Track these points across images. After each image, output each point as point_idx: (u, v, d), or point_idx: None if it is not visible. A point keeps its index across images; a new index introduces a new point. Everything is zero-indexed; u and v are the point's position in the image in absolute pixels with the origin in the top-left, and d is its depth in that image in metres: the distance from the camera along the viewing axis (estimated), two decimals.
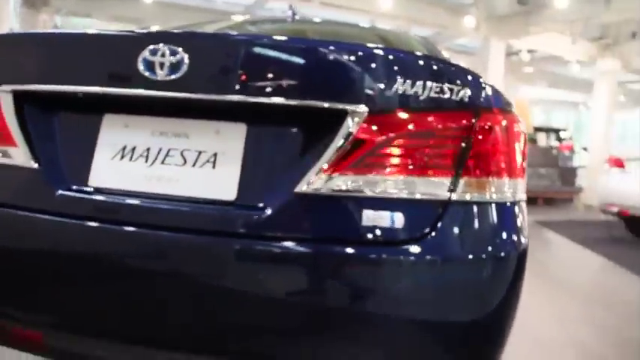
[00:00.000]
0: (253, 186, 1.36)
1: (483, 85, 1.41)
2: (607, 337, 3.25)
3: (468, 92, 1.37)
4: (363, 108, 1.32)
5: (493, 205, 1.38)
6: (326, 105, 1.33)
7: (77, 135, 1.50)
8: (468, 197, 1.35)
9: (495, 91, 1.45)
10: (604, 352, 3.00)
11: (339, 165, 1.32)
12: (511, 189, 1.42)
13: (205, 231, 1.33)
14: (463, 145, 1.36)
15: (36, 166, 1.45)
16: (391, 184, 1.33)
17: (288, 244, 1.30)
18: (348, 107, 1.32)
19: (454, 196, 1.34)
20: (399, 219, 1.32)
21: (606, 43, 14.94)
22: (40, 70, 1.50)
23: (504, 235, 1.39)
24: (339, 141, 1.33)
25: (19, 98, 1.48)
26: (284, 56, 1.37)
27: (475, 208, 1.36)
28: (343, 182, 1.32)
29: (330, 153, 1.32)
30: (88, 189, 1.43)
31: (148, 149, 1.43)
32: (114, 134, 1.46)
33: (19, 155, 1.46)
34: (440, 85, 1.35)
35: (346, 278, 1.31)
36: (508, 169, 1.42)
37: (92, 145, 1.47)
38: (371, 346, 1.33)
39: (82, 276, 1.39)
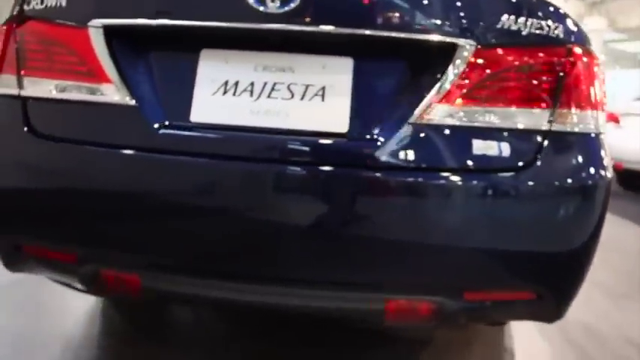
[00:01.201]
0: (364, 118, 1.40)
1: (574, 23, 1.46)
2: (624, 279, 3.40)
3: (562, 29, 1.45)
4: (472, 42, 1.37)
5: (584, 136, 1.47)
6: (437, 39, 1.36)
7: (173, 71, 1.48)
8: (564, 128, 1.43)
9: (581, 29, 1.49)
10: (625, 291, 3.15)
11: (449, 97, 1.39)
12: (597, 121, 1.50)
13: (319, 163, 1.37)
14: (559, 78, 1.43)
15: (133, 102, 1.44)
16: (498, 115, 1.40)
17: (404, 173, 1.37)
18: (458, 41, 1.37)
19: (554, 127, 1.42)
20: (506, 148, 1.40)
21: (593, 2, 15.00)
22: (133, 3, 1.48)
23: (596, 164, 1.47)
24: (449, 74, 1.38)
25: (110, 34, 1.46)
26: None
27: (570, 138, 1.45)
28: (454, 113, 1.39)
29: (440, 85, 1.38)
30: (190, 124, 1.42)
31: (252, 84, 1.43)
32: (214, 70, 1.46)
33: (114, 92, 1.44)
34: (540, 21, 1.43)
35: (461, 204, 1.38)
36: (594, 102, 1.50)
37: (190, 81, 1.45)
38: (477, 268, 1.41)
39: (188, 213, 1.41)
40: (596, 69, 1.53)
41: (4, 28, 1.58)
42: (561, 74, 1.43)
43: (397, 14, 1.38)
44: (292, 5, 1.36)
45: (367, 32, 1.37)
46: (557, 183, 1.42)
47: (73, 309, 2.42)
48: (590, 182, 1.45)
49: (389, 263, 1.41)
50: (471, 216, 1.39)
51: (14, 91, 1.51)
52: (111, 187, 1.45)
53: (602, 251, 1.56)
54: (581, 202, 1.45)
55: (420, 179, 1.37)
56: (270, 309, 1.46)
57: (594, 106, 1.49)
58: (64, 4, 1.50)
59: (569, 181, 1.43)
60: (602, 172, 1.47)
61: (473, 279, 1.44)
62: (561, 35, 1.45)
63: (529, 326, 2.34)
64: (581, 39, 1.49)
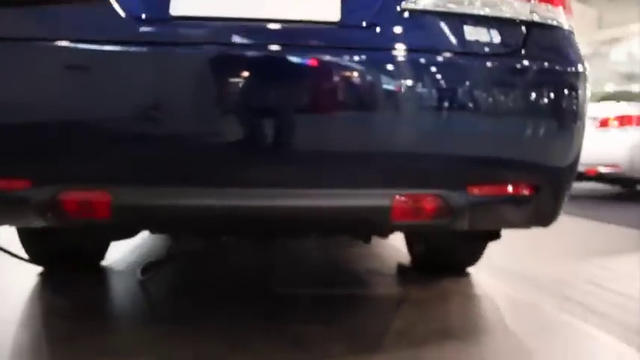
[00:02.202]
0: (355, 6, 1.37)
1: None
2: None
3: None
4: None
5: (561, 30, 1.54)
6: None
7: None
8: (545, 20, 1.50)
9: None
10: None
11: None
12: (569, 21, 1.56)
13: (314, 47, 1.33)
14: None
15: None
16: (484, 3, 1.41)
17: (396, 53, 1.37)
18: None
19: (535, 18, 1.48)
20: (495, 34, 1.44)
21: None
22: None
23: (575, 53, 1.55)
24: None
25: None
26: None
27: (550, 30, 1.52)
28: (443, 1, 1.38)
29: None
30: (170, 17, 1.34)
31: None
32: None
33: None
34: None
35: (454, 87, 1.39)
36: (568, 5, 1.58)
37: None
38: (476, 158, 1.42)
39: (171, 111, 1.31)
40: None
41: None
42: None
43: None
44: None
45: None
46: (544, 66, 1.47)
47: (11, 293, 2.22)
48: (572, 68, 1.50)
49: (392, 154, 1.37)
50: (464, 100, 1.39)
51: None
52: (75, 87, 1.29)
53: None
54: (566, 86, 1.51)
55: (409, 57, 1.36)
56: (270, 216, 1.34)
57: (565, 5, 1.58)
58: None
59: (556, 67, 1.48)
60: (579, 61, 1.55)
61: (472, 170, 1.43)
62: None
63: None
64: None
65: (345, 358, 1.55)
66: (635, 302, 2.32)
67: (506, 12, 1.45)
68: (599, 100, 7.32)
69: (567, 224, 4.65)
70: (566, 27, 1.56)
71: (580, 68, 1.54)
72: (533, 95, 1.46)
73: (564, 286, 2.52)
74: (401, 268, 2.76)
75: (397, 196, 1.37)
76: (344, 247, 3.38)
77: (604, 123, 6.78)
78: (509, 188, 1.48)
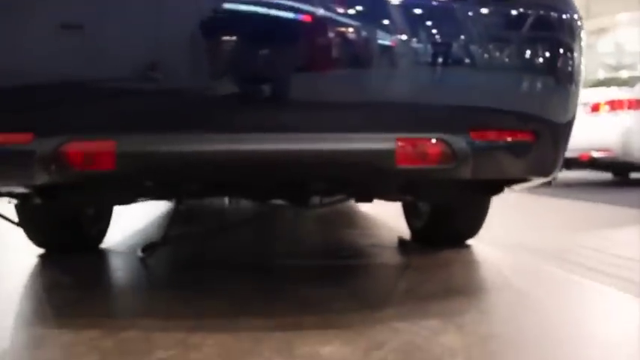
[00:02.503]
0: None
1: None
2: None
3: None
4: None
5: None
6: None
7: None
8: None
9: None
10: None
11: None
12: None
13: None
14: None
15: None
16: None
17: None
18: None
19: None
20: None
21: None
22: None
23: (563, 2, 1.57)
24: None
25: None
26: None
27: None
28: None
29: None
30: None
31: None
32: None
33: None
34: None
35: (453, 28, 1.42)
36: None
37: None
38: (475, 101, 1.44)
39: (176, 49, 1.32)
40: None
41: None
42: None
43: None
44: None
45: None
46: (536, 13, 1.50)
47: (12, 272, 2.23)
48: (565, 15, 1.53)
49: (395, 99, 1.38)
50: (464, 46, 1.42)
51: None
52: (77, 37, 1.29)
53: None
54: (562, 33, 1.53)
55: (413, 8, 1.39)
56: (274, 160, 1.34)
57: None
58: None
59: (548, 12, 1.50)
60: (575, 10, 1.57)
61: (474, 115, 1.45)
62: None
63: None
64: None
65: (353, 313, 1.54)
66: (635, 262, 2.33)
67: None
68: (589, 87, 7.36)
69: (566, 205, 4.71)
70: None
71: (575, 15, 1.55)
72: (531, 41, 1.48)
73: (566, 253, 2.53)
74: (402, 242, 2.76)
75: (401, 140, 1.37)
76: (344, 228, 3.39)
77: (595, 108, 6.82)
78: (510, 134, 1.49)
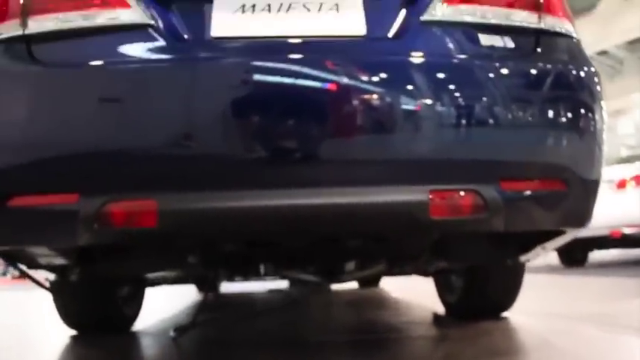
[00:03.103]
0: (379, 21, 1.50)
1: None
2: None
3: None
4: None
5: (569, 37, 1.65)
6: None
7: None
8: (553, 27, 1.61)
9: None
10: None
11: None
12: (574, 28, 1.69)
13: (341, 60, 1.44)
14: None
15: (153, 22, 1.46)
16: (496, 13, 1.54)
17: (423, 59, 1.49)
18: None
19: (543, 25, 1.60)
20: (509, 41, 1.55)
21: None
22: None
23: (582, 57, 1.65)
24: None
25: None
26: None
27: (558, 37, 1.63)
28: (458, 11, 1.53)
29: None
30: (212, 38, 1.47)
31: (269, 5, 1.50)
32: None
33: (133, 15, 1.47)
34: None
35: (477, 88, 1.48)
36: (568, 14, 1.70)
37: (209, 5, 1.50)
38: (505, 153, 1.48)
39: (214, 116, 1.39)
40: None
41: None
42: None
43: None
44: None
45: None
46: (558, 68, 1.57)
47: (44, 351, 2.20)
48: (585, 69, 1.59)
49: (428, 153, 1.43)
50: (492, 100, 1.47)
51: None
52: (121, 104, 1.39)
53: None
54: (581, 86, 1.60)
55: (434, 61, 1.47)
56: (312, 215, 1.37)
57: (569, 17, 1.69)
58: None
59: (569, 67, 1.56)
60: (589, 64, 1.64)
61: (504, 166, 1.48)
62: None
63: None
64: None
65: None
66: None
67: (516, 21, 1.56)
68: (613, 165, 7.36)
69: (600, 281, 4.59)
70: (573, 35, 1.65)
71: (592, 68, 1.62)
72: (555, 94, 1.54)
73: (602, 317, 2.44)
74: (437, 317, 2.69)
75: (434, 192, 1.40)
76: (376, 310, 3.33)
77: (621, 184, 6.78)
78: (540, 184, 1.50)
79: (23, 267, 1.75)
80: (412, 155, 1.42)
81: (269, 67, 1.42)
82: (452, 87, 1.46)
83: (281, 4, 1.50)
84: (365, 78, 1.42)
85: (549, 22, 1.61)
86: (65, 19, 1.45)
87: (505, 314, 2.53)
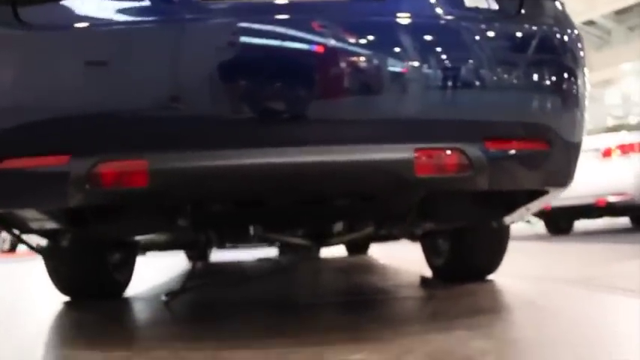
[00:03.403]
0: None
1: None
2: None
3: None
4: None
5: (552, 1, 1.67)
6: None
7: None
8: None
9: None
10: None
11: None
12: None
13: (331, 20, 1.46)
14: None
15: None
16: None
17: (408, 20, 1.50)
18: None
19: None
20: (492, 2, 1.57)
21: None
22: None
23: (565, 22, 1.66)
24: None
25: None
26: None
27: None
28: None
29: None
30: None
31: None
32: None
33: None
34: None
35: (469, 47, 1.50)
36: None
37: None
38: (484, 95, 1.50)
39: (207, 68, 1.39)
40: None
41: None
42: None
43: None
44: None
45: None
46: (542, 30, 1.59)
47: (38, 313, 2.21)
48: (569, 32, 1.62)
49: (413, 111, 1.45)
50: (477, 59, 1.50)
51: None
52: (109, 62, 1.40)
53: None
54: (564, 49, 1.62)
55: (425, 26, 1.50)
56: (299, 173, 1.39)
57: None
58: None
59: (553, 29, 1.58)
60: (574, 27, 1.66)
61: (487, 125, 1.50)
62: None
63: None
64: None
65: (382, 328, 1.54)
66: None
67: None
68: (599, 134, 7.43)
69: (587, 247, 4.67)
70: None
71: (575, 31, 1.65)
72: (539, 57, 1.56)
73: (590, 279, 2.50)
74: (424, 280, 2.75)
75: (420, 150, 1.43)
76: (364, 275, 3.39)
77: (607, 153, 6.85)
78: (524, 143, 1.53)
79: (17, 232, 1.77)
80: (398, 115, 1.44)
81: (255, 28, 1.42)
82: (437, 49, 1.47)
83: None
84: (350, 39, 1.43)
85: None
86: None
87: (491, 277, 2.58)
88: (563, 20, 1.65)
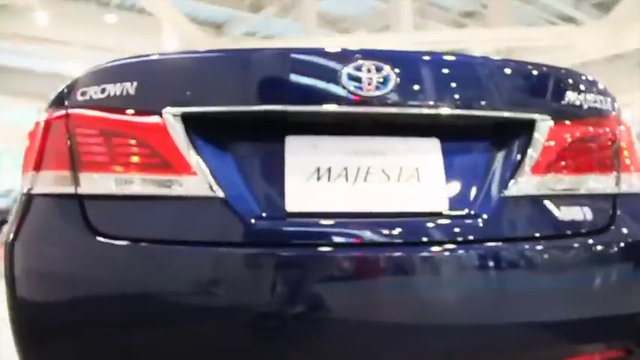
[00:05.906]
0: (460, 195, 1.41)
1: (611, 94, 1.62)
2: None
3: (609, 101, 1.59)
4: (547, 117, 1.48)
5: None
6: (518, 116, 1.47)
7: (258, 159, 1.42)
8: (630, 189, 1.53)
9: (614, 98, 1.64)
10: None
11: (535, 169, 1.45)
12: None
13: (423, 242, 1.35)
14: (614, 146, 1.55)
15: (222, 195, 1.31)
16: (577, 182, 1.48)
17: (507, 245, 1.38)
18: (537, 117, 1.47)
19: (621, 189, 1.51)
20: (589, 212, 1.46)
21: None
22: (211, 89, 1.39)
23: None
24: (532, 147, 1.46)
25: (188, 122, 1.35)
26: (483, 73, 1.49)
27: (634, 198, 1.54)
28: (541, 184, 1.45)
29: (526, 159, 1.45)
30: (287, 214, 1.33)
31: (346, 168, 1.38)
32: (303, 156, 1.39)
33: (199, 185, 1.32)
34: (593, 95, 1.56)
35: (562, 269, 1.40)
36: None
37: (279, 169, 1.37)
38: (572, 333, 1.42)
39: (300, 312, 1.28)
40: (631, 134, 1.65)
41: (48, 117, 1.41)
42: (616, 142, 1.54)
43: (484, 94, 1.45)
44: (385, 90, 1.36)
45: (454, 112, 1.41)
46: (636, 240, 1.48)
47: None
48: None
49: (494, 338, 1.37)
50: (570, 281, 1.41)
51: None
52: (208, 287, 1.30)
53: None
54: None
55: (521, 248, 1.38)
56: None
57: None
58: (132, 92, 1.36)
59: None
60: None
61: (569, 345, 1.43)
62: (608, 107, 1.57)
63: None
64: (617, 108, 1.61)
65: None
66: None
67: (595, 189, 1.49)
68: None
69: None
70: None
71: None
72: (628, 270, 1.48)
73: None
74: None
75: None
76: None
77: None
78: (604, 354, 1.46)
79: None
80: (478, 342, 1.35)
81: (352, 256, 1.31)
82: (532, 273, 1.38)
83: (358, 169, 1.37)
84: (438, 271, 1.35)
85: (626, 181, 1.52)
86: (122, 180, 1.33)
87: None
88: None
